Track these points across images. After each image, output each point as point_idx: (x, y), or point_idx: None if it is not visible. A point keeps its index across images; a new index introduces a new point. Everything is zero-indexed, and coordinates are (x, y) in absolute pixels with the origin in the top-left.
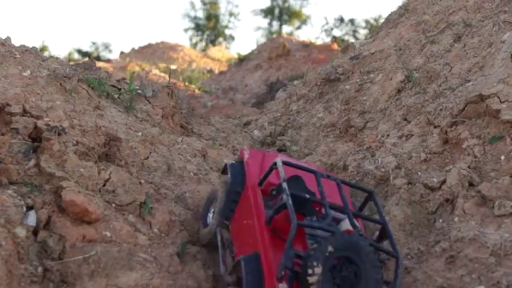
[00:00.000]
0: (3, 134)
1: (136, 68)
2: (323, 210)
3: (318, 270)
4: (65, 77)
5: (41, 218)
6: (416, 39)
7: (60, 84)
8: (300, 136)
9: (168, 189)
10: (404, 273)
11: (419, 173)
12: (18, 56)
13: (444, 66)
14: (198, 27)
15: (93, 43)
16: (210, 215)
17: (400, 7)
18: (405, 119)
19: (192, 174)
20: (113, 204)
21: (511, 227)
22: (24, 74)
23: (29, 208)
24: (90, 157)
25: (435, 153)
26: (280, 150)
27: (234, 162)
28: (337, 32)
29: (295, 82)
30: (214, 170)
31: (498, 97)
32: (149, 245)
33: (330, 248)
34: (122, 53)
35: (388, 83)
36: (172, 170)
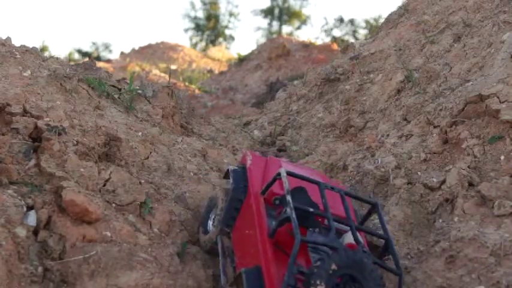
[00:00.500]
0: (3, 134)
1: (137, 68)
2: (326, 221)
3: None
4: (65, 77)
5: (41, 218)
6: (416, 39)
7: (61, 84)
8: (300, 136)
9: (168, 189)
10: (404, 273)
11: (419, 173)
12: (18, 56)
13: (444, 66)
14: (198, 27)
15: (94, 43)
16: (210, 221)
17: (400, 7)
18: (405, 119)
19: (192, 174)
20: (113, 204)
21: (511, 227)
22: (25, 74)
23: (29, 208)
24: (90, 157)
25: (435, 153)
26: (280, 150)
27: (237, 167)
28: (337, 32)
29: (295, 82)
30: (214, 170)
31: (498, 97)
32: (149, 244)
33: (333, 266)
34: (122, 53)
35: (388, 83)
36: (173, 170)
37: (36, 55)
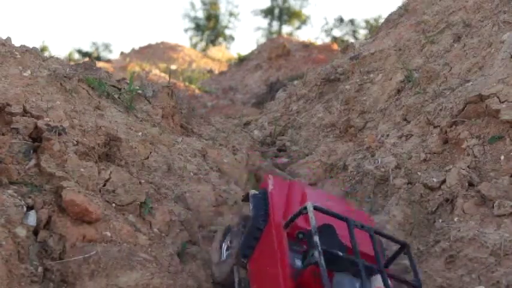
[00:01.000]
0: (3, 134)
1: (137, 68)
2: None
3: None
4: (65, 77)
5: (41, 217)
6: (416, 39)
7: (61, 84)
8: (300, 136)
9: (168, 189)
10: (403, 273)
11: (419, 173)
12: (18, 56)
13: (444, 66)
14: (198, 27)
15: (94, 43)
16: (225, 247)
17: (400, 7)
18: (405, 119)
19: (192, 174)
20: (113, 204)
21: (511, 226)
22: (25, 74)
23: (29, 208)
24: (91, 157)
25: (435, 153)
26: (280, 150)
27: (257, 192)
28: (337, 32)
29: (295, 82)
30: (214, 170)
31: (498, 97)
32: (149, 244)
33: None
34: (122, 53)
35: (388, 83)
36: (172, 170)
37: (36, 55)
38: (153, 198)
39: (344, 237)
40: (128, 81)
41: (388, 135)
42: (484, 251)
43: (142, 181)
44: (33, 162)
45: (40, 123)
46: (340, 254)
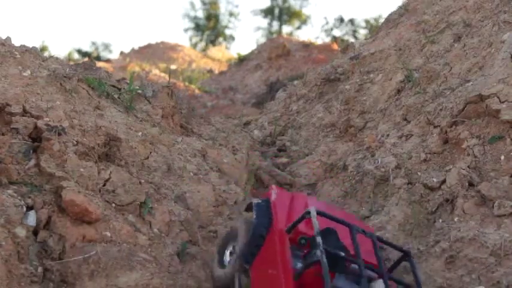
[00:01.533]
0: (3, 134)
1: (136, 68)
2: (352, 265)
3: None
4: (65, 77)
5: (41, 218)
6: (416, 39)
7: (60, 84)
8: (300, 136)
9: (168, 189)
10: (403, 273)
11: (419, 173)
12: (18, 56)
13: (444, 66)
14: (198, 27)
15: (93, 43)
16: (228, 253)
17: (400, 7)
18: (405, 119)
19: (192, 174)
20: (113, 204)
21: (511, 227)
22: (24, 74)
23: (29, 208)
24: (90, 157)
25: (435, 153)
26: (280, 150)
27: (260, 201)
28: (337, 32)
29: (295, 82)
30: (214, 170)
31: (498, 97)
32: (149, 245)
33: None
34: (121, 53)
35: (388, 83)
36: (172, 170)
37: (35, 55)
38: (153, 198)
39: (346, 244)
40: (128, 81)
41: (388, 135)
42: (484, 251)
43: (142, 181)
44: (33, 162)
45: (40, 123)
46: (342, 254)
